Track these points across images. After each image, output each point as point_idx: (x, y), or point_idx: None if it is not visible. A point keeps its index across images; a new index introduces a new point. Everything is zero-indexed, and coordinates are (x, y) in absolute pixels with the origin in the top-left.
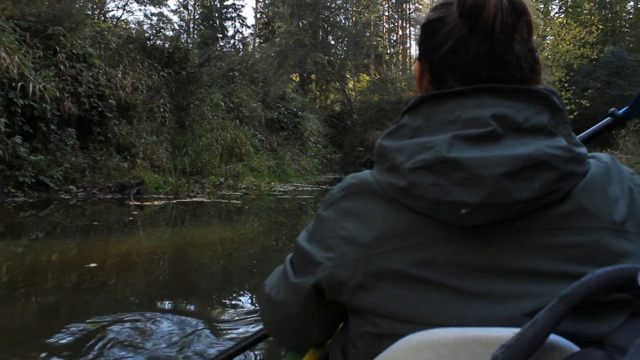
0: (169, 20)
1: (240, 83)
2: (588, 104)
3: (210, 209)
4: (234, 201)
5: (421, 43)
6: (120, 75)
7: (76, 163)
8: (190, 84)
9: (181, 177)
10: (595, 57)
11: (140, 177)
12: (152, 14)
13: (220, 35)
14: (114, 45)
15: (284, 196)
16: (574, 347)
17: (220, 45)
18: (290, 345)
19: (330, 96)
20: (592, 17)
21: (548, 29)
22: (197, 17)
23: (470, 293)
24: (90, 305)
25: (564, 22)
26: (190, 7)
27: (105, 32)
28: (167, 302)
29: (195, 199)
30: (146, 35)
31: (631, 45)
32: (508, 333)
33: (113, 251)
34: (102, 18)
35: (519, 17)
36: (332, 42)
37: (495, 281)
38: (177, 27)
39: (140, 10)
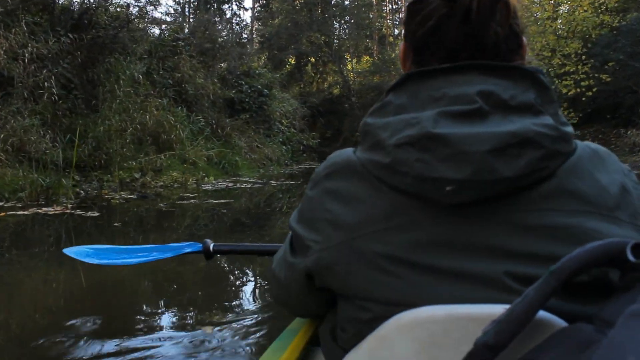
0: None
1: (186, 55)
2: (609, 79)
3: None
4: (92, 214)
5: (405, 23)
6: None
7: None
8: (103, 52)
9: (73, 173)
10: (617, 25)
11: None
12: None
13: (218, 19)
14: None
15: (194, 200)
16: (563, 323)
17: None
18: (292, 314)
19: (329, 78)
20: None
21: None
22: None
23: (454, 273)
24: None
25: None
26: None
27: None
28: None
29: (50, 210)
30: None
31: None
32: (499, 309)
33: None
34: None
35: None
36: (329, 22)
37: (478, 260)
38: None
39: None
